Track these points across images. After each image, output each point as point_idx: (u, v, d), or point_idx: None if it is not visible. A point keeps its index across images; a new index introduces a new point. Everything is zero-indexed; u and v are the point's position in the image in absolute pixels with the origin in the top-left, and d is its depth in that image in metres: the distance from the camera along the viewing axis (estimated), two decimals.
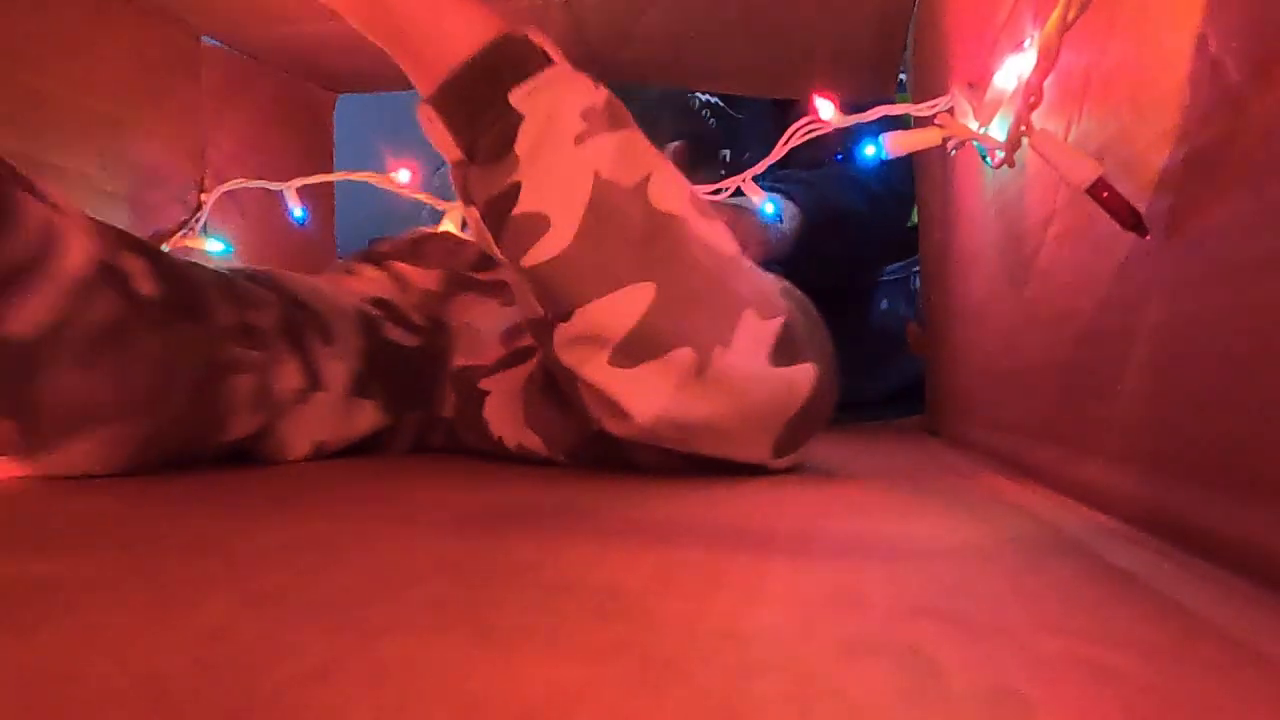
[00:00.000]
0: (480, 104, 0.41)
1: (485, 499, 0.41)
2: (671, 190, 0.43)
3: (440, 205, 0.79)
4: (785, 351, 0.42)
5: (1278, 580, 0.21)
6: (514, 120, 0.41)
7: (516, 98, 0.41)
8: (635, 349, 0.41)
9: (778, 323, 0.42)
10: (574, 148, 0.41)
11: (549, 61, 0.42)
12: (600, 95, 0.43)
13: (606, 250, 0.41)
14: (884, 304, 1.19)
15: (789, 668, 0.17)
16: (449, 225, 0.78)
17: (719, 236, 0.44)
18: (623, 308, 0.40)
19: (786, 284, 0.47)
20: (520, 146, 0.41)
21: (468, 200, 0.44)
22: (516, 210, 0.41)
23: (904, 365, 1.00)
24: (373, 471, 0.52)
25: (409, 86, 0.43)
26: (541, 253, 0.41)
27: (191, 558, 0.28)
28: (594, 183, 0.41)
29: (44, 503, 0.40)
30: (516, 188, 0.41)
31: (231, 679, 0.16)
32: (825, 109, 0.56)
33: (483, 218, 0.44)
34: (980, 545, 0.28)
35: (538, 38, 0.42)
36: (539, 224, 0.41)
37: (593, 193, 0.41)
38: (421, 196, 0.77)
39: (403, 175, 0.74)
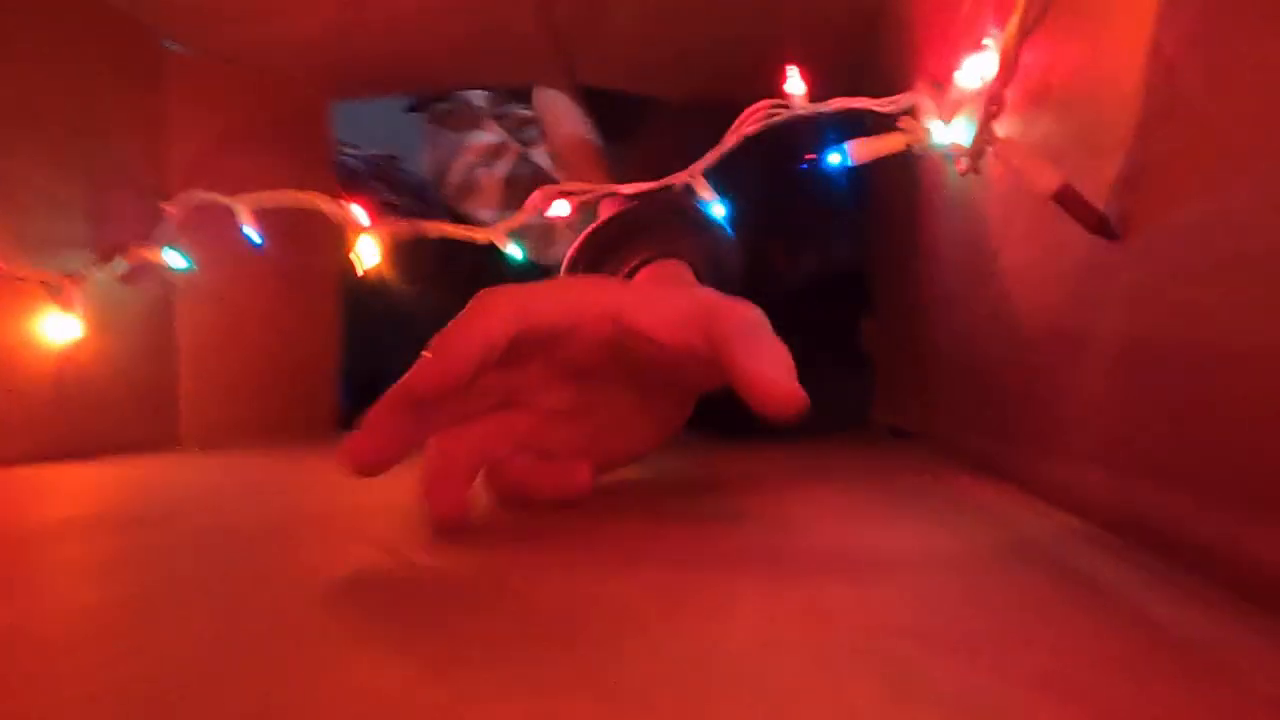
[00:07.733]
0: None
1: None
2: None
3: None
4: None
5: (1242, 582, 0.22)
6: None
7: None
8: None
9: None
10: None
11: None
12: None
13: None
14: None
15: (755, 692, 0.17)
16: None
17: None
18: None
19: None
20: None
21: None
22: None
23: None
24: (346, 486, 0.51)
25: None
26: None
27: (184, 554, 0.27)
28: None
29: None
30: None
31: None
32: (796, 84, 0.54)
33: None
34: (948, 557, 0.28)
35: None
36: None
37: None
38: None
39: (360, 214, 0.71)
